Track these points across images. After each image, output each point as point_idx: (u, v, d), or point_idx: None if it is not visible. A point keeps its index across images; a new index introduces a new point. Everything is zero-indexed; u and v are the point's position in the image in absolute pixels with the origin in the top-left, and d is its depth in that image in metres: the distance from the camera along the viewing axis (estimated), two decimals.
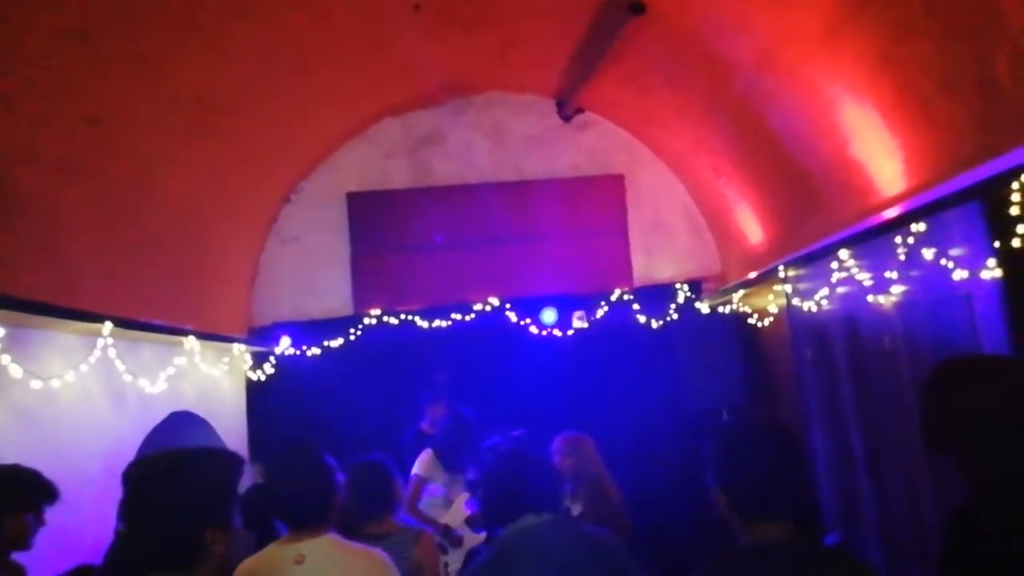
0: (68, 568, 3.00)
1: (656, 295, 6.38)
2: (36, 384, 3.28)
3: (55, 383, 3.41)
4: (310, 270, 6.19)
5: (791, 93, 4.21)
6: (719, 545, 1.72)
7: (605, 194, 6.57)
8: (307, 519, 2.30)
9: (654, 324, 6.26)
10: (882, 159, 3.75)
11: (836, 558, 1.65)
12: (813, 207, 4.60)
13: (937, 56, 3.05)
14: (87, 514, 3.48)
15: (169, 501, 1.69)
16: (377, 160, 6.34)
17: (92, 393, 3.84)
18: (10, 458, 2.81)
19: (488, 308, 6.11)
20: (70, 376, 3.51)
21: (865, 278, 3.91)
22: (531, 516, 2.19)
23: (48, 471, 2.85)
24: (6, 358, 3.07)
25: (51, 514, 2.83)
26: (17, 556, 2.69)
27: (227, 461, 1.84)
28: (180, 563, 1.70)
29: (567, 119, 6.57)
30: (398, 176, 6.36)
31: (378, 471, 3.05)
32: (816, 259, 4.49)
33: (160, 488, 1.71)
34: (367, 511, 2.94)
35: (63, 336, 3.63)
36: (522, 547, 2.15)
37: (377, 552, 2.36)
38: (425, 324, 6.02)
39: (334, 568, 2.26)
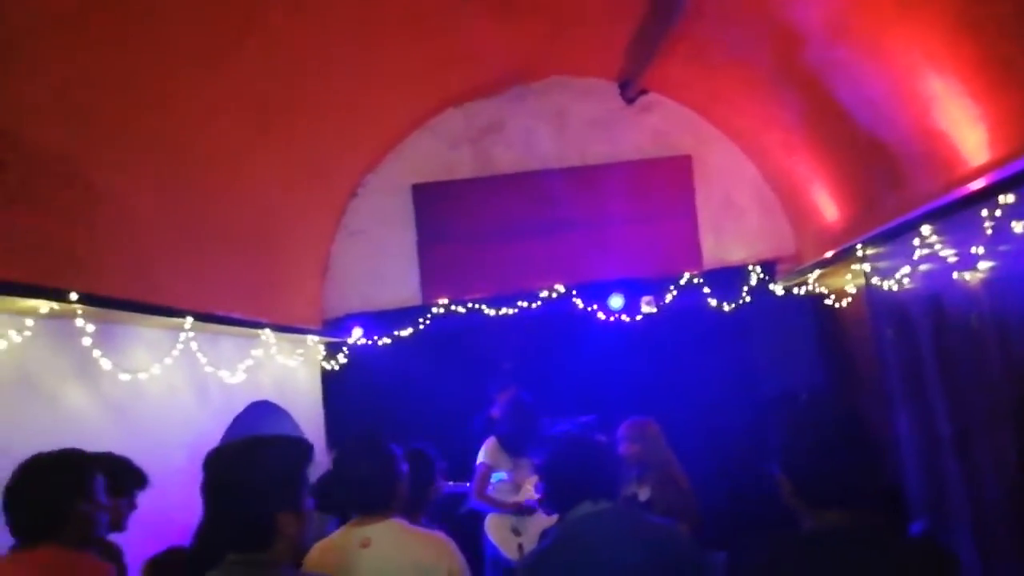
0: (159, 550, 3.17)
1: (728, 278, 6.22)
2: (124, 377, 3.46)
3: (142, 376, 3.59)
4: (378, 262, 6.31)
5: (865, 62, 4.02)
6: (785, 529, 1.68)
7: (672, 176, 6.44)
8: (372, 506, 2.36)
9: (726, 308, 6.12)
10: (966, 128, 3.54)
11: (905, 543, 1.57)
12: (892, 181, 4.38)
13: (1020, 17, 2.84)
14: (175, 500, 3.66)
15: (242, 486, 1.78)
16: (440, 151, 6.40)
17: (176, 385, 4.03)
18: (103, 447, 2.98)
19: (554, 295, 6.10)
20: (156, 369, 3.69)
21: (949, 254, 3.71)
22: (588, 504, 2.19)
23: (138, 459, 3.02)
24: (96, 352, 3.25)
25: (142, 500, 3.00)
26: (113, 538, 2.87)
27: (296, 447, 1.91)
28: (255, 544, 1.78)
29: (630, 101, 6.45)
30: (461, 166, 6.40)
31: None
32: (896, 236, 4.28)
33: (233, 474, 1.80)
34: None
35: (148, 331, 3.82)
36: (578, 535, 2.16)
37: (441, 536, 2.44)
38: (492, 312, 6.06)
39: (399, 551, 2.33)
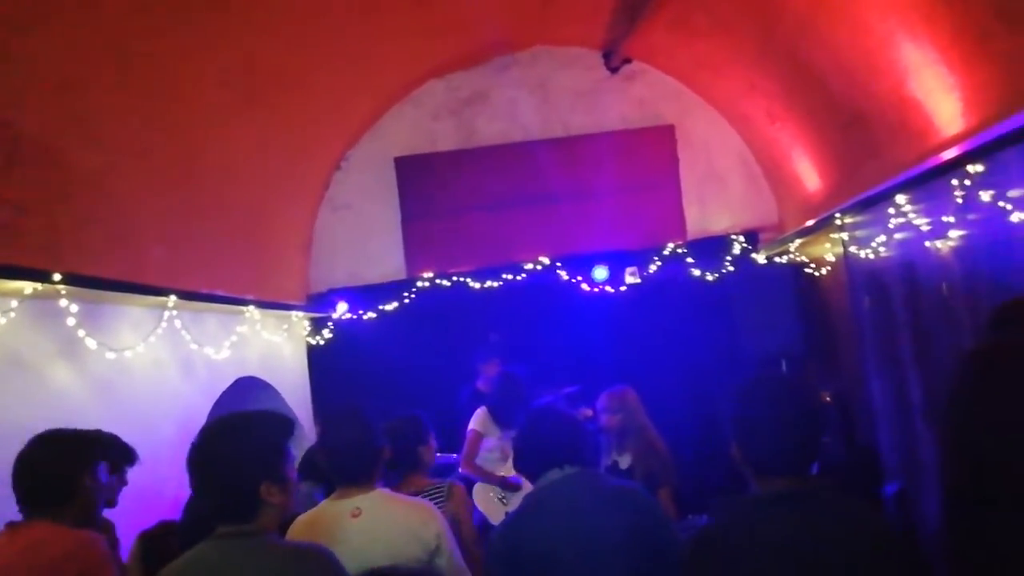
0: (150, 524, 3.24)
1: (710, 247, 6.29)
2: (111, 355, 3.50)
3: (128, 354, 3.63)
4: (363, 236, 6.33)
5: (844, 31, 4.04)
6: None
7: (656, 146, 6.46)
8: (355, 475, 2.44)
9: (709, 277, 6.19)
10: (940, 97, 3.58)
11: (844, 508, 1.67)
12: (870, 150, 4.43)
13: None
14: (164, 474, 3.72)
15: (226, 457, 1.85)
16: (423, 123, 6.39)
17: (162, 362, 4.07)
18: (91, 424, 3.02)
19: (539, 267, 6.15)
20: (141, 347, 3.73)
21: (922, 223, 3.77)
22: (556, 471, 2.28)
23: (125, 436, 3.05)
24: (81, 332, 3.28)
25: (132, 475, 3.05)
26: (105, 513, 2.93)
27: (278, 421, 1.99)
28: (241, 515, 1.85)
29: (614, 70, 6.45)
30: (444, 138, 6.40)
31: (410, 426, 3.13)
32: (873, 205, 4.34)
33: (217, 446, 1.87)
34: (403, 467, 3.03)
35: (132, 310, 3.85)
36: (547, 501, 2.25)
37: (425, 502, 2.54)
38: (477, 285, 6.10)
39: (388, 519, 2.40)
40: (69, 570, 2.12)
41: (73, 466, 2.30)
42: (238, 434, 1.91)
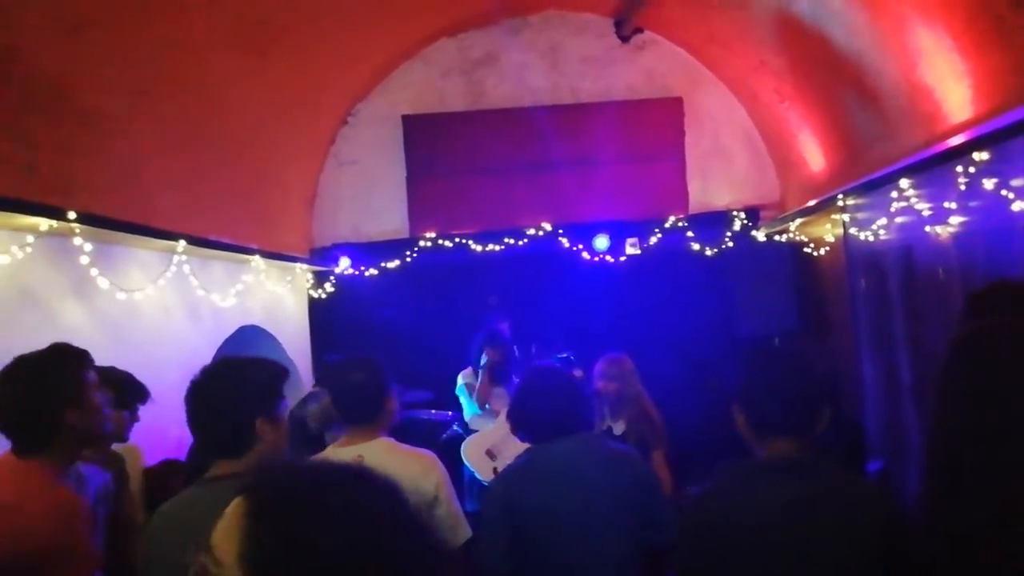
0: (154, 462, 3.33)
1: (711, 222, 6.34)
2: (121, 296, 3.55)
3: (137, 295, 3.68)
4: (367, 192, 6.34)
5: (858, 12, 4.04)
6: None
7: (662, 117, 6.46)
8: (362, 418, 2.51)
9: (708, 252, 6.25)
10: (951, 83, 3.61)
11: (840, 475, 1.72)
12: (877, 134, 4.46)
13: None
14: (169, 415, 3.78)
15: (223, 392, 1.90)
16: (432, 82, 6.36)
17: (170, 306, 4.13)
18: (99, 362, 3.07)
19: (540, 233, 6.19)
20: (150, 289, 3.78)
21: (924, 208, 3.83)
22: (559, 435, 2.37)
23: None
24: (94, 271, 3.32)
25: (141, 413, 3.13)
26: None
27: (273, 364, 2.04)
28: (235, 450, 1.91)
29: (625, 39, 6.43)
30: (453, 98, 6.38)
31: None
32: (876, 188, 4.39)
33: (215, 383, 1.92)
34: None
35: (142, 252, 3.88)
36: (550, 458, 2.34)
37: (426, 453, 2.56)
38: (478, 248, 6.14)
39: (391, 466, 2.41)
40: (45, 528, 2.00)
41: (43, 402, 2.09)
42: (235, 371, 1.95)
